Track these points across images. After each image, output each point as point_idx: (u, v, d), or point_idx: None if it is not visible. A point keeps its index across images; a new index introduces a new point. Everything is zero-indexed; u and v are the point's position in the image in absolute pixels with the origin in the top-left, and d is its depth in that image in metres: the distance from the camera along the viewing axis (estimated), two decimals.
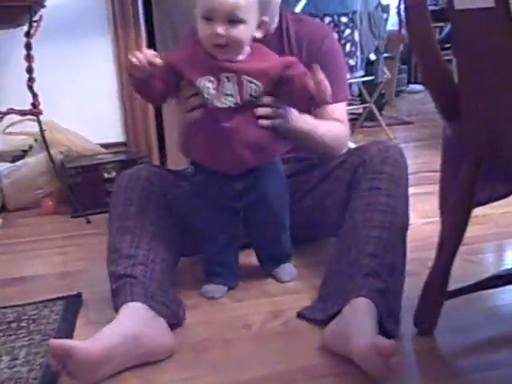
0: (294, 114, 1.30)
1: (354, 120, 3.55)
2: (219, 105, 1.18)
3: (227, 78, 1.18)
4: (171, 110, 1.72)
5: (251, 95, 1.19)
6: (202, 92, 1.19)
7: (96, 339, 1.03)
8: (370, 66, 2.96)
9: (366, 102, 3.39)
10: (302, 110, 1.27)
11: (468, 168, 1.02)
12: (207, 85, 1.18)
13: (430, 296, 1.12)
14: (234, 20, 1.15)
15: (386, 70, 3.08)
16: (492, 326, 1.16)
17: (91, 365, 1.00)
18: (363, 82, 3.22)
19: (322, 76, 1.12)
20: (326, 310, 1.18)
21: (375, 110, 3.31)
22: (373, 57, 2.89)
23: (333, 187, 1.42)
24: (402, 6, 1.03)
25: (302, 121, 1.32)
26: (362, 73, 2.88)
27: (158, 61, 1.12)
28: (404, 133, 3.55)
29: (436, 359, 1.08)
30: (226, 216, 1.32)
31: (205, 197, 1.30)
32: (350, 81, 2.99)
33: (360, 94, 3.59)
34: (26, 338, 1.20)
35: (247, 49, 1.22)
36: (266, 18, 1.21)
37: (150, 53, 1.13)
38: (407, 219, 1.29)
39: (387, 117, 3.81)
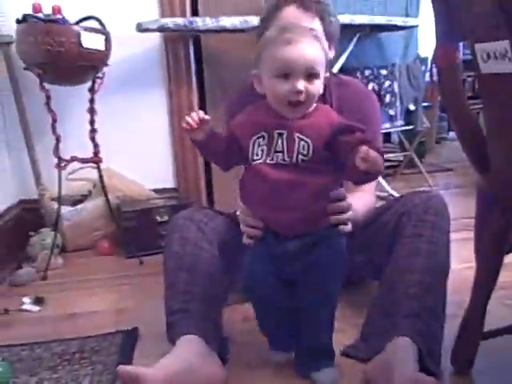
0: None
1: (394, 167, 3.64)
2: (268, 160, 1.14)
3: (279, 134, 1.13)
4: None
5: (300, 153, 1.12)
6: (253, 150, 1.16)
7: (158, 367, 1.12)
8: (409, 116, 3.06)
9: (406, 150, 3.47)
10: (351, 178, 1.17)
11: (499, 216, 1.09)
12: (260, 142, 1.15)
13: (466, 335, 1.18)
14: (311, 75, 1.10)
15: (425, 119, 3.17)
16: None
17: None
18: (403, 131, 3.31)
19: (373, 153, 1.04)
20: (368, 349, 1.25)
21: (415, 158, 3.38)
22: (412, 107, 2.99)
23: (377, 232, 1.48)
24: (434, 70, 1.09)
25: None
26: (401, 122, 2.99)
27: (206, 117, 1.14)
28: (444, 179, 3.60)
29: None
30: (276, 280, 1.21)
31: (258, 254, 1.22)
32: (390, 130, 3.10)
33: (400, 142, 3.68)
34: (89, 368, 1.31)
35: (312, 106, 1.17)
36: (327, 74, 1.18)
37: (199, 112, 1.15)
38: (448, 265, 1.34)
39: (428, 164, 3.87)
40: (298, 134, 1.13)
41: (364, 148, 1.03)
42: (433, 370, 1.15)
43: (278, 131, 1.14)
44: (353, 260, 1.53)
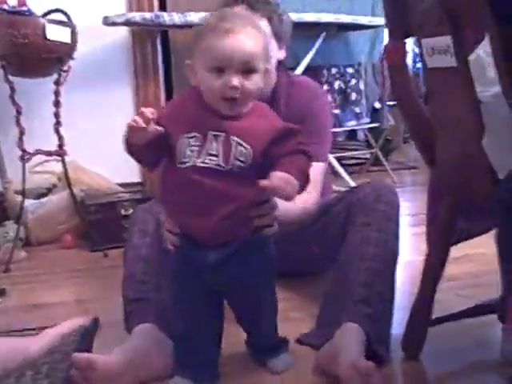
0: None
1: (360, 164, 3.70)
2: (199, 163, 1.01)
3: (215, 136, 1.02)
4: None
5: (238, 159, 1.02)
6: (183, 150, 1.02)
7: (113, 354, 1.14)
8: (375, 114, 3.13)
9: (372, 148, 3.54)
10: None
11: (446, 207, 1.15)
12: (191, 142, 1.02)
13: (416, 322, 1.23)
14: (248, 70, 1.01)
15: (390, 117, 3.24)
16: (473, 352, 1.26)
17: (110, 377, 1.11)
18: (369, 129, 3.38)
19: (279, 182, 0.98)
20: (321, 336, 1.29)
21: (381, 155, 3.45)
22: (377, 105, 3.06)
23: (330, 223, 1.52)
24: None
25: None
26: (367, 120, 3.05)
27: (152, 117, 0.98)
28: (410, 177, 3.68)
29: (421, 381, 1.19)
30: (199, 293, 1.11)
31: (177, 261, 1.14)
32: (356, 127, 3.16)
33: (367, 140, 3.75)
34: (47, 357, 1.32)
35: (249, 104, 1.07)
36: (269, 66, 1.07)
37: (148, 110, 0.98)
38: (397, 253, 1.39)
39: (394, 162, 3.94)
40: (236, 139, 1.02)
41: (276, 175, 0.98)
42: (381, 355, 1.20)
43: (213, 132, 1.02)
44: (308, 251, 1.58)
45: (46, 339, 0.65)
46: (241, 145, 1.02)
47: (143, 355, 1.15)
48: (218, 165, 1.01)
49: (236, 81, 0.99)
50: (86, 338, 1.41)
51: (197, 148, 1.01)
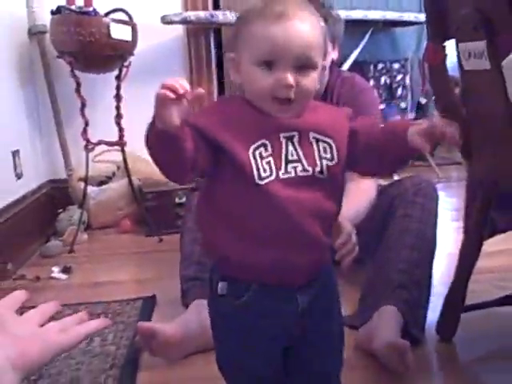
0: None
1: None
2: (282, 175, 0.78)
3: (288, 138, 0.79)
4: None
5: (325, 158, 0.80)
6: (255, 163, 0.77)
7: (173, 324, 1.28)
8: (420, 109, 3.17)
9: None
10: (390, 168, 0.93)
11: (481, 199, 1.22)
12: (263, 152, 0.78)
13: (450, 308, 1.31)
14: (305, 65, 0.79)
15: (435, 112, 3.27)
16: (503, 338, 1.33)
17: (170, 344, 1.25)
18: None
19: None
20: (360, 318, 1.39)
21: None
22: (423, 100, 3.10)
23: (373, 215, 1.61)
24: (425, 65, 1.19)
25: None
26: (413, 115, 3.09)
27: (201, 91, 0.71)
28: (455, 172, 3.69)
29: (453, 361, 1.28)
30: (275, 355, 0.85)
31: (249, 330, 0.83)
32: None
33: None
34: (112, 327, 1.47)
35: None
36: (325, 63, 0.87)
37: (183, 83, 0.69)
38: (435, 243, 1.47)
39: (439, 157, 3.95)
40: (314, 134, 0.81)
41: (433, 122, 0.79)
42: (417, 336, 1.30)
43: (284, 134, 0.79)
44: None
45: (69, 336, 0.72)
46: (322, 141, 0.81)
47: (199, 326, 1.28)
48: (305, 170, 0.79)
49: (290, 78, 0.78)
50: (145, 311, 1.57)
51: (271, 158, 0.78)
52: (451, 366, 1.26)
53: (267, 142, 0.78)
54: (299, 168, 0.79)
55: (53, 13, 2.23)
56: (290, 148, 0.79)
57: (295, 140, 0.80)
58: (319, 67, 0.82)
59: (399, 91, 2.90)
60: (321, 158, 0.80)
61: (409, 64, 2.89)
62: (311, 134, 0.80)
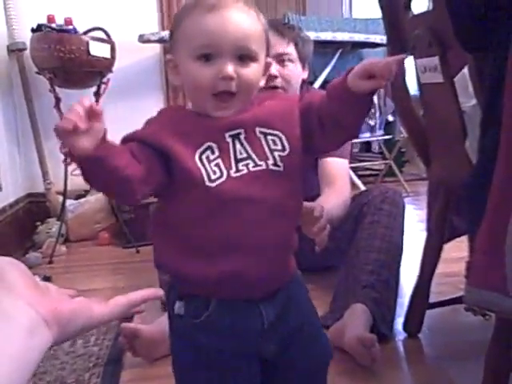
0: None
1: (375, 175, 3.87)
2: (234, 174, 0.73)
3: (233, 137, 0.75)
4: None
5: (275, 150, 0.76)
6: (204, 168, 0.72)
7: (155, 324, 1.34)
8: (388, 126, 3.30)
9: (386, 159, 3.71)
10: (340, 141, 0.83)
11: (440, 202, 1.33)
12: (210, 156, 0.73)
13: (415, 305, 1.41)
14: (245, 55, 0.75)
15: (402, 129, 3.42)
16: (465, 332, 1.43)
17: (152, 344, 1.31)
18: (384, 141, 3.55)
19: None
20: (332, 318, 1.47)
21: (394, 167, 3.62)
22: (391, 118, 3.23)
23: (343, 221, 1.71)
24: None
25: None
26: (381, 132, 3.22)
27: (98, 109, 0.66)
28: (423, 188, 3.82)
29: (419, 355, 1.37)
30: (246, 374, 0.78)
31: (209, 348, 0.76)
32: (370, 139, 3.34)
33: (381, 152, 3.92)
34: (94, 330, 1.52)
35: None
36: (270, 60, 0.82)
37: (85, 102, 0.64)
38: (401, 246, 1.57)
39: (408, 173, 4.10)
40: (260, 129, 0.76)
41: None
42: (385, 333, 1.38)
43: (230, 133, 0.75)
44: (324, 248, 1.76)
45: (110, 307, 0.64)
46: (269, 134, 0.76)
47: None
48: (257, 165, 0.74)
49: (230, 68, 0.73)
50: (125, 317, 1.62)
51: (219, 160, 0.73)
52: (417, 359, 1.35)
53: (213, 144, 0.74)
54: (251, 165, 0.74)
55: (33, 30, 2.30)
56: (238, 146, 0.75)
57: (241, 137, 0.75)
58: (261, 61, 0.77)
59: None
60: (271, 150, 0.75)
61: None
62: (257, 129, 0.76)
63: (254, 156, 0.74)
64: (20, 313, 0.53)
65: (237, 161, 0.74)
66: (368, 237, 1.57)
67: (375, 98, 3.05)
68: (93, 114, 0.64)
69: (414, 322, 1.42)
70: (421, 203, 3.26)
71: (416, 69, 1.20)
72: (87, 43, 2.25)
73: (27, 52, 2.44)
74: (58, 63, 2.22)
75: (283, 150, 0.76)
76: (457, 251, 1.40)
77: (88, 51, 2.25)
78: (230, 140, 0.75)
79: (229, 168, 0.73)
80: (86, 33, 2.39)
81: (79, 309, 0.59)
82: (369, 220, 1.61)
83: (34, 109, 2.56)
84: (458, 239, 1.39)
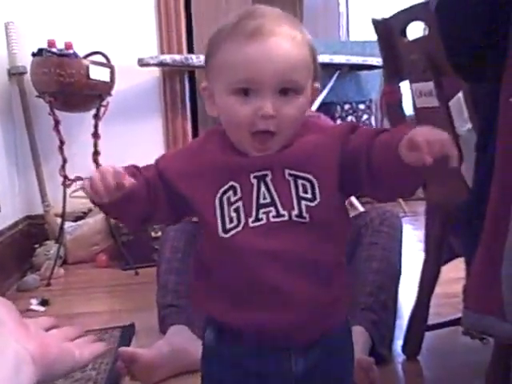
0: None
1: None
2: (252, 223, 0.68)
3: (260, 177, 0.69)
4: None
5: (304, 198, 0.68)
6: (221, 212, 0.69)
7: (153, 349, 1.34)
8: None
9: None
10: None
11: (438, 223, 1.34)
12: (231, 197, 0.69)
13: (413, 327, 1.41)
14: (289, 89, 0.68)
15: None
16: (464, 354, 1.43)
17: (150, 368, 1.30)
18: None
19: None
20: None
21: None
22: None
23: None
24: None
25: None
26: None
27: (127, 182, 0.65)
28: (421, 207, 3.83)
29: (418, 378, 1.36)
30: None
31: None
32: None
33: None
34: None
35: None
36: (317, 84, 0.74)
37: (113, 171, 0.65)
38: (400, 268, 1.57)
39: None
40: (290, 171, 0.69)
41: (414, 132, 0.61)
42: (384, 355, 1.38)
43: (255, 174, 0.69)
44: None
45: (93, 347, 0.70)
46: (300, 177, 0.69)
47: (179, 349, 1.34)
48: (279, 215, 0.67)
49: (269, 106, 0.66)
50: (123, 339, 1.62)
51: (240, 203, 0.68)
52: (416, 382, 1.34)
53: (236, 185, 0.69)
54: (272, 213, 0.67)
55: (34, 54, 2.33)
56: (263, 189, 0.68)
57: (268, 179, 0.68)
58: (307, 90, 0.70)
59: None
60: (299, 198, 0.67)
61: (373, 104, 3.06)
62: (286, 171, 0.68)
63: (278, 203, 0.68)
64: (9, 349, 0.55)
65: (258, 206, 0.68)
66: (366, 258, 1.57)
67: (372, 119, 3.08)
68: (120, 186, 0.65)
69: (412, 344, 1.41)
70: (419, 223, 3.27)
71: (412, 93, 1.21)
72: (87, 67, 2.28)
73: (28, 76, 2.46)
74: (58, 87, 2.25)
75: (313, 199, 0.68)
76: (455, 272, 1.40)
77: (88, 75, 2.27)
78: (254, 181, 0.69)
79: (248, 215, 0.68)
80: (85, 57, 2.42)
81: (66, 354, 0.61)
82: (367, 241, 1.61)
83: (34, 131, 2.58)
84: (456, 259, 1.40)
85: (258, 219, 0.68)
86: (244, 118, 0.68)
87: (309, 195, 0.68)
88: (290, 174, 0.69)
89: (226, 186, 0.69)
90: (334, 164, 0.68)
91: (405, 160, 0.60)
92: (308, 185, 0.68)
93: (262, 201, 0.68)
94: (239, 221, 0.68)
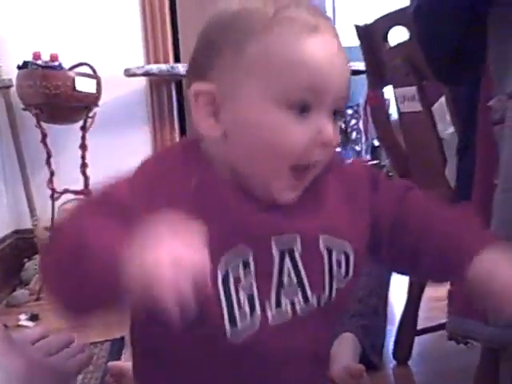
0: None
1: None
2: (270, 318, 0.51)
3: (284, 248, 0.51)
4: None
5: (338, 279, 0.54)
6: (226, 303, 0.50)
7: None
8: (374, 151, 3.33)
9: None
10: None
11: None
12: (240, 273, 0.50)
13: (403, 332, 1.41)
14: (338, 111, 0.54)
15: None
16: (455, 358, 1.42)
17: None
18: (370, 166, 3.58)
19: None
20: None
21: None
22: (376, 143, 3.27)
23: None
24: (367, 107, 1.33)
25: None
26: (368, 157, 3.25)
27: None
28: None
29: (410, 382, 1.36)
30: None
31: None
32: None
33: None
34: None
35: None
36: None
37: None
38: (390, 273, 1.57)
39: None
40: (325, 236, 0.52)
41: None
42: (374, 361, 1.37)
43: (277, 237, 0.50)
44: None
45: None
46: (336, 247, 0.52)
47: None
48: (307, 302, 0.51)
49: (331, 130, 0.51)
50: (113, 352, 1.60)
51: (253, 281, 0.49)
52: None
53: (249, 252, 0.47)
54: (298, 299, 0.49)
55: (19, 67, 2.32)
56: (288, 265, 0.49)
57: (296, 252, 0.49)
58: None
59: (354, 135, 3.07)
60: (332, 277, 0.51)
61: (361, 109, 3.07)
62: (321, 238, 0.50)
63: (306, 285, 0.49)
64: None
65: (279, 290, 0.48)
66: None
67: (360, 124, 3.09)
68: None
69: (403, 349, 1.41)
70: None
71: (395, 98, 1.22)
72: (73, 79, 2.27)
73: (14, 89, 2.45)
74: (44, 99, 2.23)
75: (346, 275, 0.51)
76: None
77: (74, 87, 2.26)
78: (276, 254, 0.48)
79: (265, 304, 0.47)
80: (71, 68, 2.41)
81: (50, 367, 0.62)
82: None
83: (21, 144, 2.56)
84: None
85: (280, 311, 0.49)
86: (298, 145, 0.48)
87: (342, 270, 0.51)
88: (326, 245, 0.50)
89: (231, 251, 0.47)
90: (366, 225, 0.51)
91: (473, 292, 0.49)
92: (342, 257, 0.51)
93: (285, 281, 0.49)
94: (253, 313, 0.47)
